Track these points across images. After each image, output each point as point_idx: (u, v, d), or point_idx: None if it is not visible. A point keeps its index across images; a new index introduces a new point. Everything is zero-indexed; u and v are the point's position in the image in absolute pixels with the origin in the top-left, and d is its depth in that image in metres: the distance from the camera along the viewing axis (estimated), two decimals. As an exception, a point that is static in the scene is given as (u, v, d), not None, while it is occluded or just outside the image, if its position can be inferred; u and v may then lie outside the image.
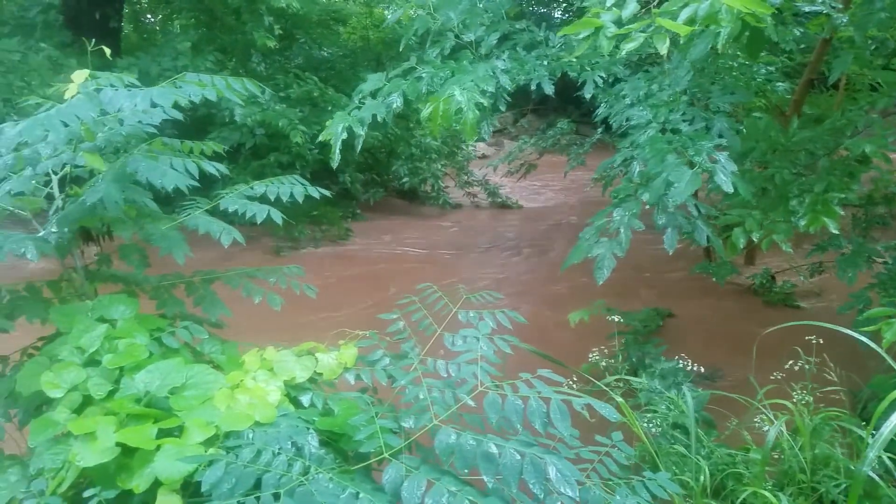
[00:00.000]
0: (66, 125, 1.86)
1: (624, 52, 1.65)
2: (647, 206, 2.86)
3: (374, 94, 3.36)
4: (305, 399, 1.87)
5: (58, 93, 2.34)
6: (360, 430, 1.64)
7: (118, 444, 1.58)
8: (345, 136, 3.23)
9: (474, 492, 1.38)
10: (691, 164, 2.67)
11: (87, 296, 2.55)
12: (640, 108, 3.41)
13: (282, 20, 10.25)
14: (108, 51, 2.55)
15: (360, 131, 3.24)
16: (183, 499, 1.49)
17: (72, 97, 2.11)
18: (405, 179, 10.40)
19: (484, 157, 14.28)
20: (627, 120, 3.42)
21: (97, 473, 1.62)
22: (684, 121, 3.22)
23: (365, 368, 2.00)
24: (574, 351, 3.51)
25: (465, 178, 11.32)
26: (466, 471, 1.45)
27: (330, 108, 8.87)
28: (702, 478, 2.35)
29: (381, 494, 1.44)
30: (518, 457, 1.38)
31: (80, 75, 2.11)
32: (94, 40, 2.67)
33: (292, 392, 1.87)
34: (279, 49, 10.06)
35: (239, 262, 5.66)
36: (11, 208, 2.51)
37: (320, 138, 3.35)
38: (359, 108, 3.32)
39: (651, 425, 2.47)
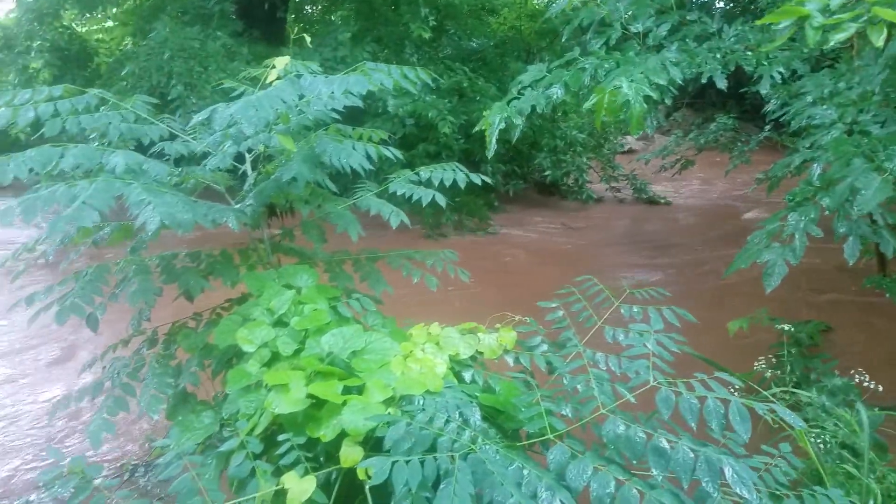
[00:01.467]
0: (272, 107, 2.09)
1: (833, 43, 1.57)
2: (827, 213, 2.69)
3: (533, 85, 3.41)
4: (468, 375, 1.99)
5: (237, 77, 2.63)
6: (524, 410, 1.72)
7: (309, 397, 1.78)
8: (502, 126, 3.32)
9: (642, 483, 1.41)
10: (881, 170, 2.47)
11: (271, 264, 2.85)
12: (824, 106, 3.19)
13: (434, 11, 10.58)
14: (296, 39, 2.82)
15: (518, 121, 3.31)
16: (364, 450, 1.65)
17: (273, 82, 2.38)
18: (547, 172, 10.38)
19: (631, 151, 13.86)
20: (808, 119, 3.21)
21: (288, 421, 1.84)
22: (875, 122, 2.98)
23: (524, 352, 2.08)
24: (729, 358, 3.37)
25: (611, 172, 11.07)
26: (635, 462, 1.48)
27: (478, 99, 9.06)
28: (871, 501, 2.20)
29: (546, 472, 1.51)
30: (691, 454, 1.39)
31: (281, 61, 2.36)
32: (261, 30, 2.95)
33: (455, 367, 1.99)
34: (429, 40, 10.41)
35: (389, 246, 5.97)
36: (209, 182, 2.86)
37: (477, 128, 3.47)
38: (517, 98, 3.39)
39: (818, 441, 2.34)
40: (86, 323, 2.49)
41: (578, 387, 1.87)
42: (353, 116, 2.87)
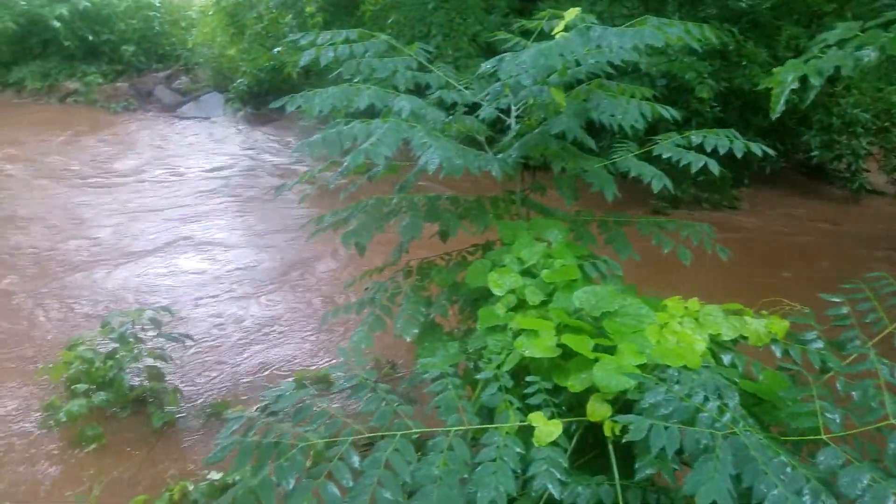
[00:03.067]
0: (560, 57, 2.14)
1: None
2: None
3: (840, 44, 3.02)
4: (727, 358, 1.91)
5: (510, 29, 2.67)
6: (791, 405, 1.61)
7: (559, 346, 1.86)
8: (794, 86, 3.00)
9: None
10: None
11: (520, 216, 2.97)
12: None
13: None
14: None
15: (816, 83, 2.97)
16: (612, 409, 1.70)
17: (558, 34, 2.42)
18: (815, 153, 9.20)
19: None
20: None
21: (535, 365, 1.94)
22: None
23: (794, 345, 1.94)
24: None
25: (896, 162, 9.48)
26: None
27: (744, 64, 8.28)
28: None
29: (812, 471, 1.41)
30: None
31: (571, 13, 2.39)
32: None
33: (714, 347, 1.93)
34: (692, -1, 9.65)
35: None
36: (472, 131, 3.03)
37: (762, 85, 3.18)
38: (818, 57, 3.04)
39: None
40: (355, 248, 2.84)
41: (854, 393, 1.70)
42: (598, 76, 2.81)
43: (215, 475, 3.29)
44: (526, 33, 2.91)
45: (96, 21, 13.05)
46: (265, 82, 11.71)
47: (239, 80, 11.82)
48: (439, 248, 3.14)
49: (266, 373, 4.33)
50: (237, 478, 3.15)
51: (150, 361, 3.95)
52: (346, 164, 2.32)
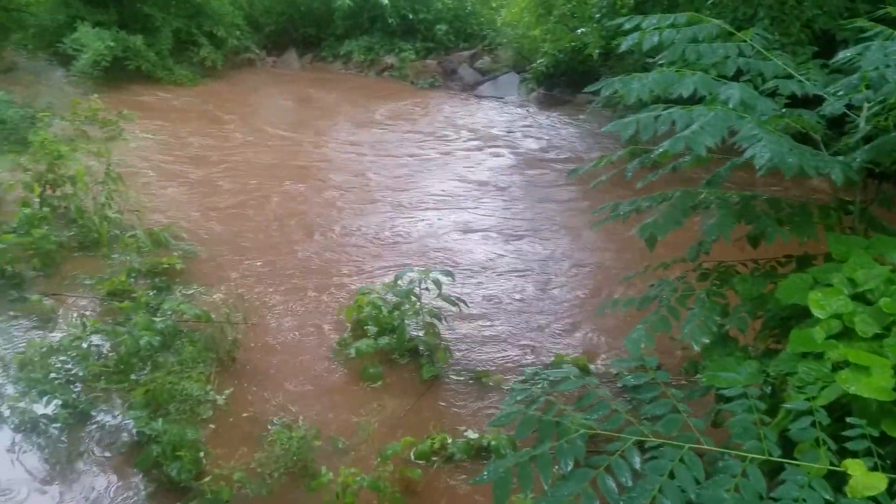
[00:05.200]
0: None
1: None
2: None
3: None
4: None
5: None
6: None
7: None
8: None
9: None
10: None
11: (856, 231, 2.60)
12: None
13: None
14: None
15: None
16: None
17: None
18: None
19: None
20: None
21: (859, 406, 1.70)
22: None
23: None
24: None
25: None
26: None
27: None
28: None
29: None
30: None
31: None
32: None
33: None
34: None
35: None
36: (805, 128, 2.71)
37: None
38: None
39: None
40: (645, 241, 2.76)
41: None
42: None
43: (472, 434, 3.53)
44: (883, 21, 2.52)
45: (417, 0, 14.52)
46: (562, 63, 11.91)
47: (539, 61, 12.20)
48: (742, 254, 2.90)
49: (524, 349, 4.48)
50: (492, 442, 3.35)
51: (427, 319, 4.35)
52: (657, 150, 2.25)
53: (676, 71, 2.54)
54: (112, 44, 11.47)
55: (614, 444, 1.54)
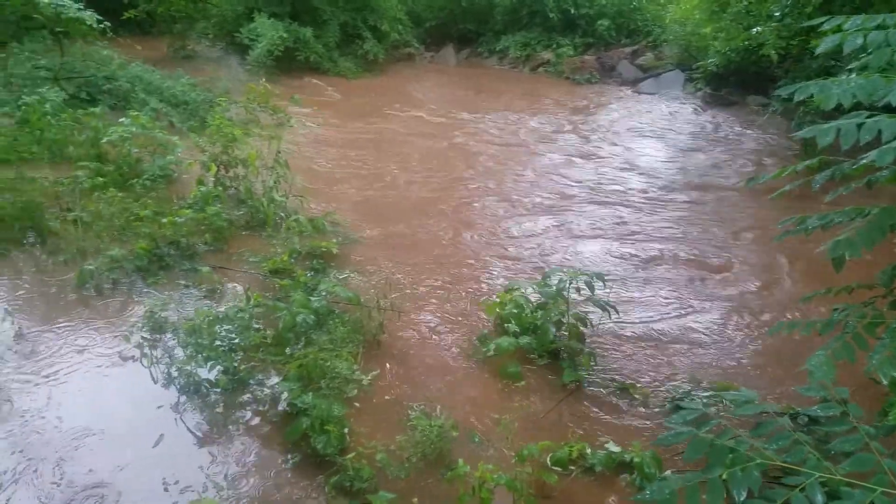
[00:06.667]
0: None
1: None
2: None
3: None
4: None
5: None
6: None
7: None
8: None
9: None
10: None
11: None
12: None
13: None
14: None
15: None
16: None
17: None
18: None
19: None
20: None
21: None
22: None
23: None
24: None
25: None
26: None
27: None
28: None
29: None
30: None
31: None
32: None
33: None
34: None
35: None
36: None
37: None
38: None
39: None
40: (832, 263, 2.52)
41: None
42: None
43: (613, 447, 3.43)
44: None
45: (582, -6, 14.33)
46: (733, 63, 11.24)
47: (709, 60, 11.60)
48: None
49: (675, 366, 4.28)
50: (636, 458, 3.23)
51: (572, 321, 4.28)
52: (860, 161, 2.05)
53: (884, 77, 2.29)
54: (285, 35, 12.38)
55: (793, 477, 1.42)
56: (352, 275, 5.16)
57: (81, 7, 8.82)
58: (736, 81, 11.37)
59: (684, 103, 11.51)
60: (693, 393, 3.96)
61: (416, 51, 15.38)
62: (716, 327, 4.76)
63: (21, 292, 4.71)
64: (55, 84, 8.55)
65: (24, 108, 7.45)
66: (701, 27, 12.15)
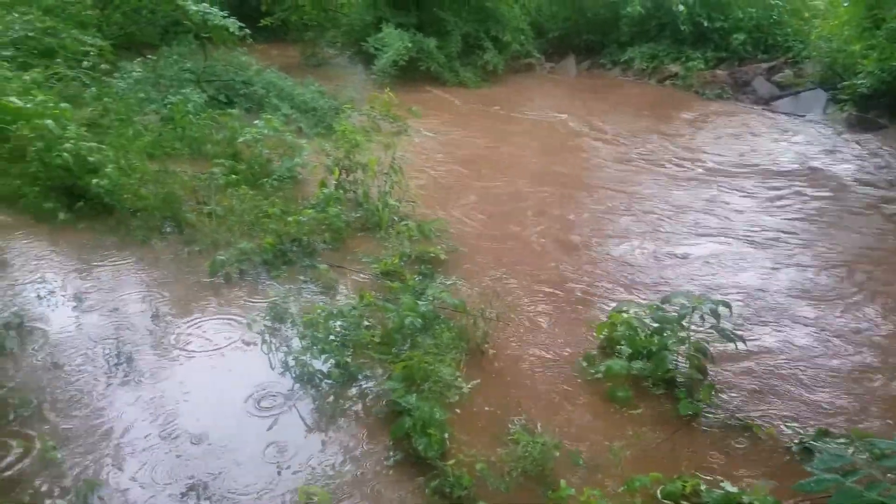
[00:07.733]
0: None
1: None
2: None
3: None
4: None
5: None
6: None
7: None
8: None
9: None
10: None
11: None
12: None
13: None
14: None
15: None
16: None
17: None
18: None
19: None
20: None
21: None
22: None
23: None
24: None
25: None
26: None
27: None
28: None
29: None
30: None
31: None
32: None
33: None
34: None
35: None
36: None
37: None
38: None
39: None
40: None
41: None
42: None
43: (729, 487, 3.24)
44: None
45: (715, 7, 13.74)
46: (885, 83, 10.40)
47: (860, 81, 10.76)
48: None
49: (803, 410, 3.98)
50: (755, 501, 3.05)
51: (691, 350, 4.09)
52: None
53: None
54: (410, 45, 12.73)
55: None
56: (459, 283, 5.20)
57: (225, 15, 9.51)
58: (888, 103, 10.50)
59: (823, 126, 10.69)
60: (826, 438, 3.66)
61: (537, 61, 15.34)
62: (857, 373, 4.39)
63: (158, 276, 5.12)
64: (197, 86, 9.27)
65: (169, 106, 8.13)
66: (850, 44, 11.34)
